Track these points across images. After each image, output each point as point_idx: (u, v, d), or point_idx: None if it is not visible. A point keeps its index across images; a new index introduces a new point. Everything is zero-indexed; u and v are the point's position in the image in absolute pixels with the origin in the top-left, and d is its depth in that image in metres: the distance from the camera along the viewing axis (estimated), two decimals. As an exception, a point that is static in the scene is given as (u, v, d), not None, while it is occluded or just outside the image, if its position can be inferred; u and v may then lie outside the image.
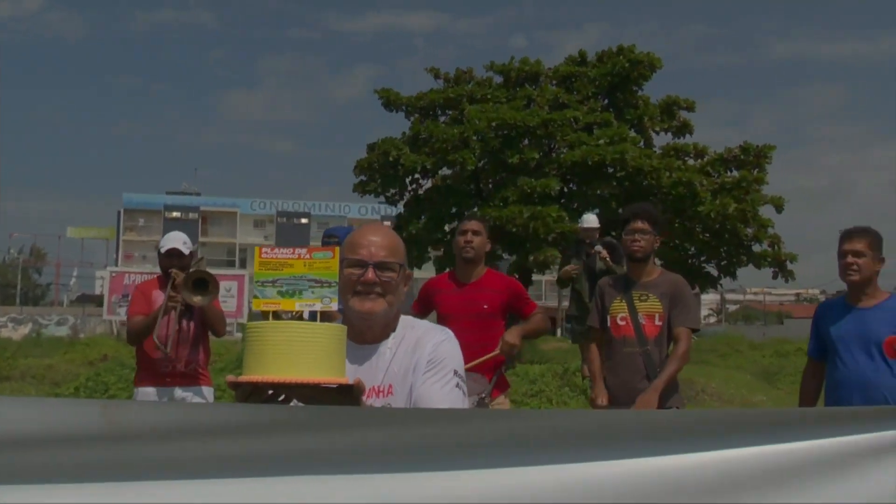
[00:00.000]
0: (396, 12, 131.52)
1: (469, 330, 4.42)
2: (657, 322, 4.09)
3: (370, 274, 1.96)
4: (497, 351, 4.26)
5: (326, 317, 1.82)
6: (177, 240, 4.76)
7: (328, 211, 67.75)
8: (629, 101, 20.83)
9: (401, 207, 22.45)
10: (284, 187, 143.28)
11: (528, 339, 4.74)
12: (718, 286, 21.41)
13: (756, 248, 19.87)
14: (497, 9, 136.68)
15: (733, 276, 20.47)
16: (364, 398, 1.77)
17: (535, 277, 22.65)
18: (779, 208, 19.49)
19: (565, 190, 20.40)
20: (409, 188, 22.45)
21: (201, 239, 62.70)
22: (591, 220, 9.06)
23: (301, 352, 1.59)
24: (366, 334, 2.01)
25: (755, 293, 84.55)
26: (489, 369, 4.30)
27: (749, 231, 19.44)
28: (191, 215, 64.37)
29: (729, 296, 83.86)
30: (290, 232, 63.09)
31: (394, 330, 2.07)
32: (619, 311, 4.17)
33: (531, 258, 18.40)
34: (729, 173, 20.14)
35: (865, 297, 3.81)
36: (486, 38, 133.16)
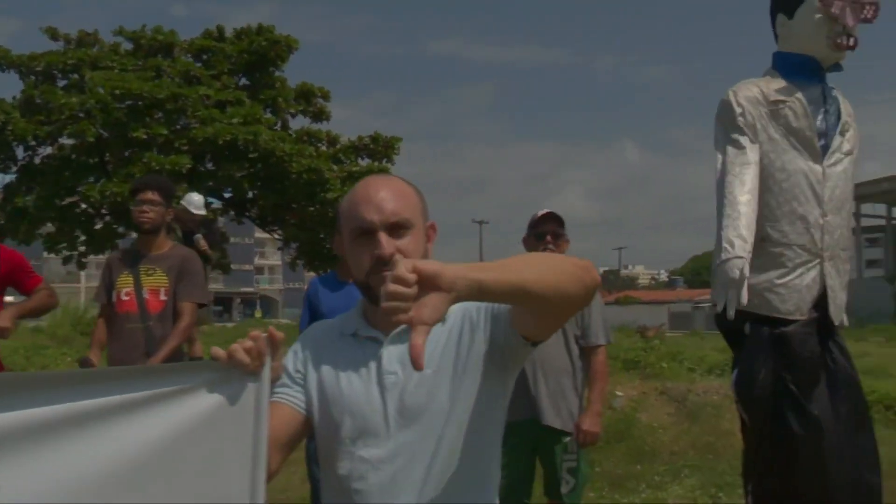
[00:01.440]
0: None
1: (-43, 305, 3.97)
2: (162, 297, 3.99)
3: None
4: None
5: None
6: None
7: (-63, 179, 58.66)
8: (266, 82, 20.72)
9: (12, 176, 20.15)
10: None
11: (28, 318, 4.35)
12: (350, 269, 22.25)
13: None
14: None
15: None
16: None
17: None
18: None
19: (201, 169, 19.74)
20: (24, 156, 20.26)
21: None
22: (198, 204, 8.18)
23: None
24: None
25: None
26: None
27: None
28: None
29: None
30: None
31: None
32: (125, 285, 4.01)
33: None
34: (360, 161, 20.99)
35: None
36: (145, 1, 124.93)
